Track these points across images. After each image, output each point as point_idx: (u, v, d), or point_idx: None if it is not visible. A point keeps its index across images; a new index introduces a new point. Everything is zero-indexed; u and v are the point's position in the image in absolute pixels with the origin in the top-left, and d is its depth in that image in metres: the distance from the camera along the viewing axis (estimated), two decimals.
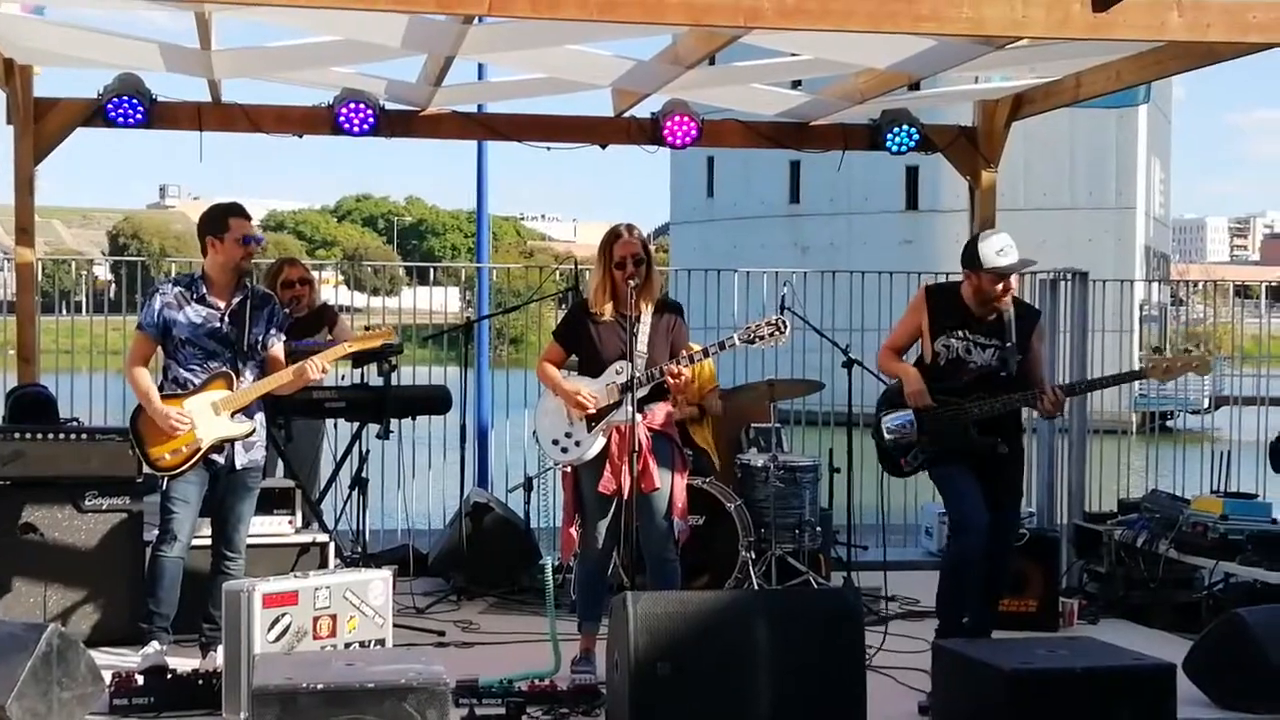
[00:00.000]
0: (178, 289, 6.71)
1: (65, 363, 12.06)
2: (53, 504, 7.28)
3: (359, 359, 7.90)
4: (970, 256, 6.78)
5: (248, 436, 6.70)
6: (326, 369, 6.80)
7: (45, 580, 7.23)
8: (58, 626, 5.94)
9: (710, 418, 8.77)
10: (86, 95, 8.52)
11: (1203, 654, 6.49)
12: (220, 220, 6.70)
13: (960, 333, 6.84)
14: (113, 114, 8.38)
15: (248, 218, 6.81)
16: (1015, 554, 7.56)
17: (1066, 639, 6.78)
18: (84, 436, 7.42)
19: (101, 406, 10.99)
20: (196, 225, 6.94)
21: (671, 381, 6.59)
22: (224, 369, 6.64)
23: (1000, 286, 6.72)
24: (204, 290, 6.69)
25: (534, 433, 7.03)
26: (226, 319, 6.67)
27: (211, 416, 6.59)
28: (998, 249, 6.69)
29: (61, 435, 7.38)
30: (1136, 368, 7.24)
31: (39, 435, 7.32)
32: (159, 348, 6.73)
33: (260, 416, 6.81)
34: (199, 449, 6.59)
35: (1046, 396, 6.74)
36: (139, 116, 8.42)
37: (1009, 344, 6.80)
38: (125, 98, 8.36)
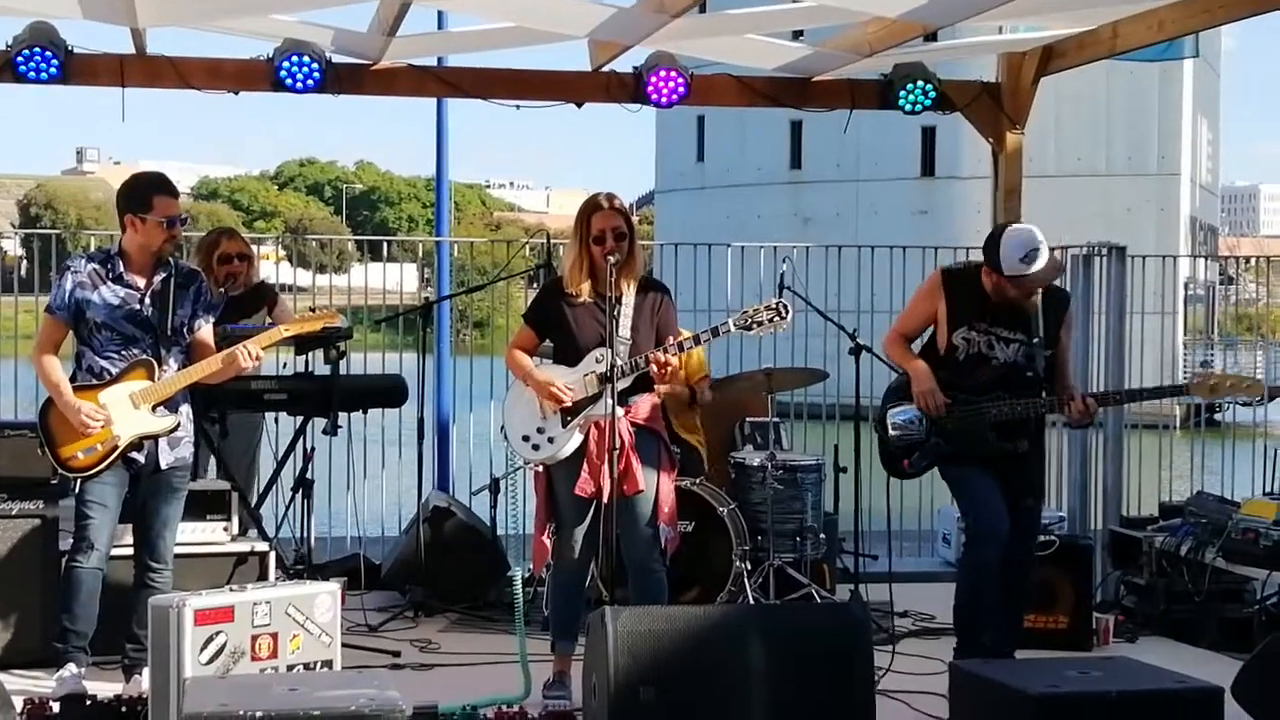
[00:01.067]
0: (92, 266, 6.70)
1: None
2: None
3: (303, 345, 7.89)
4: (991, 253, 6.87)
5: (171, 432, 6.70)
6: (261, 356, 6.80)
7: None
8: None
9: (700, 410, 8.78)
10: None
11: (1254, 676, 6.49)
12: (143, 197, 6.67)
13: (982, 325, 6.91)
14: (23, 68, 8.34)
15: (174, 195, 6.78)
16: (1043, 564, 7.60)
17: (1100, 659, 6.78)
18: None
19: (11, 398, 10.96)
20: (116, 196, 6.90)
21: (657, 371, 6.60)
22: (144, 356, 6.64)
23: (1019, 293, 6.81)
24: (121, 267, 6.68)
25: (502, 428, 7.03)
26: (147, 299, 6.67)
27: (130, 410, 6.59)
28: (1022, 253, 6.77)
29: None
30: (1180, 381, 7.27)
31: None
32: (72, 333, 6.72)
33: (186, 409, 6.81)
34: (115, 447, 6.59)
35: (1075, 405, 6.81)
36: (53, 70, 8.38)
37: (1035, 339, 6.87)
38: (37, 49, 8.32)
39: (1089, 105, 40.10)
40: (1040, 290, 6.97)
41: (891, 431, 7.02)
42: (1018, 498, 6.91)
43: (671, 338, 6.68)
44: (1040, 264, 6.77)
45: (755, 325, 6.56)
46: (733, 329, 6.61)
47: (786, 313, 6.57)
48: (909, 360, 7.08)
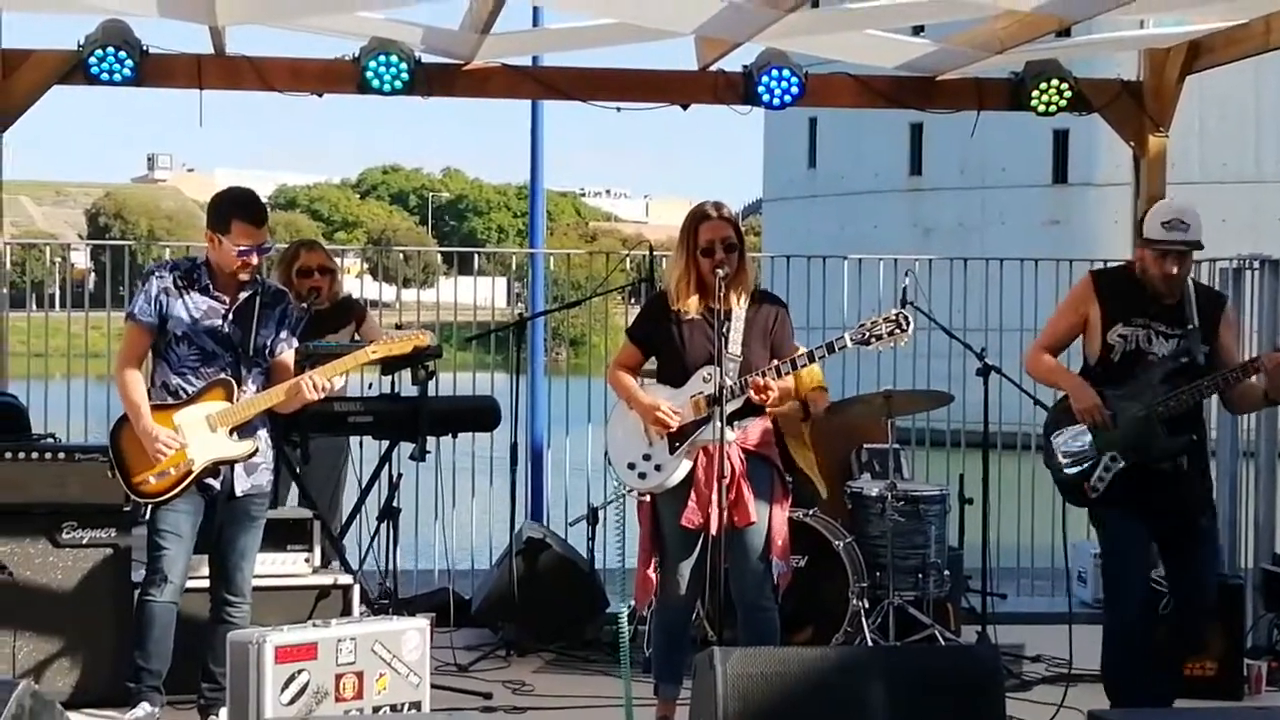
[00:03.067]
0: (176, 274, 6.76)
1: (37, 367, 12.20)
2: (24, 537, 7.36)
3: (389, 365, 7.93)
4: (1141, 221, 6.96)
5: (249, 458, 6.74)
6: (329, 387, 6.74)
7: (15, 628, 7.30)
8: (30, 684, 5.99)
9: (814, 435, 8.74)
10: (64, 47, 8.60)
11: None
12: (223, 217, 6.69)
13: (1140, 320, 6.86)
14: (95, 69, 8.45)
15: (258, 222, 6.74)
16: None
17: (1254, 709, 6.73)
18: (61, 456, 7.48)
19: (81, 420, 11.09)
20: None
21: (756, 398, 6.57)
22: (224, 375, 6.68)
23: (1159, 269, 6.75)
24: (207, 280, 6.74)
25: (605, 454, 7.03)
26: (230, 316, 6.72)
27: (206, 433, 6.63)
28: (1166, 218, 6.78)
29: (34, 455, 7.46)
30: None
31: (7, 455, 7.39)
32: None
33: (264, 434, 6.85)
34: (190, 471, 6.62)
35: (1271, 357, 6.68)
36: (127, 72, 8.48)
37: (1191, 327, 6.80)
38: (111, 49, 8.43)
39: (1235, 104, 39.62)
40: (1194, 288, 6.94)
41: (1063, 460, 6.95)
42: (1189, 520, 6.81)
43: (781, 356, 6.64)
44: (1179, 235, 6.74)
45: (874, 340, 6.52)
46: (849, 344, 6.58)
47: (908, 325, 6.52)
48: (1063, 376, 7.01)
